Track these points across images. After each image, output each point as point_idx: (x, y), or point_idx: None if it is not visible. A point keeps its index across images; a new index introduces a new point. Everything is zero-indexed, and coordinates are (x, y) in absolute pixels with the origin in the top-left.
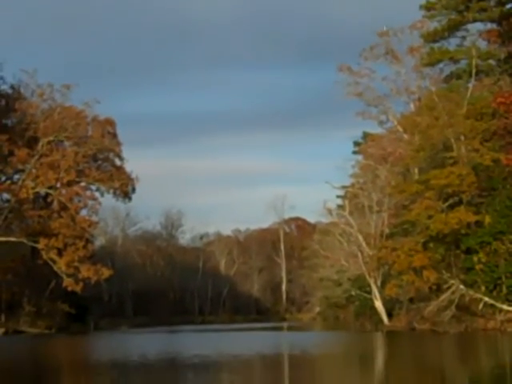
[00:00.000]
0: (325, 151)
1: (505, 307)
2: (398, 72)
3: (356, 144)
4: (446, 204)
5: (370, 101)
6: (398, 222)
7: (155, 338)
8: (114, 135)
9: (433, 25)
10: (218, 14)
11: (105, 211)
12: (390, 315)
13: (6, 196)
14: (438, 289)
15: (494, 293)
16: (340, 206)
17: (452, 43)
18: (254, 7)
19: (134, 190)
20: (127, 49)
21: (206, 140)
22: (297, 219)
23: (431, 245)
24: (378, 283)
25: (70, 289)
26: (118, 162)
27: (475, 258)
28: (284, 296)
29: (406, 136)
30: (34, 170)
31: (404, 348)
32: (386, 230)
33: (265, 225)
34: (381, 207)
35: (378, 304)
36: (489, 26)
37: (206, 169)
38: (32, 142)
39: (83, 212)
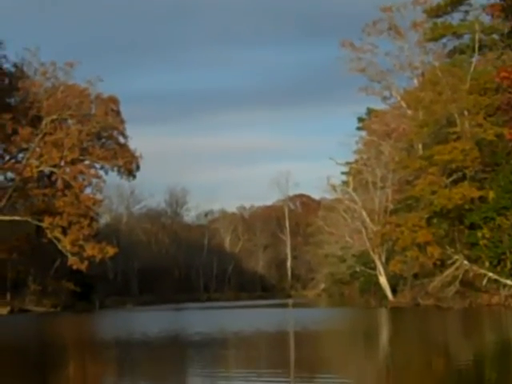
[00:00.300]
0: (329, 128)
1: (509, 282)
2: (401, 47)
3: (360, 120)
4: (450, 179)
5: (373, 76)
6: (401, 197)
7: (160, 316)
8: (118, 113)
9: (436, 0)
10: None
11: (109, 189)
12: (394, 291)
13: (10, 175)
14: (442, 264)
15: (498, 268)
16: (344, 183)
17: (455, 18)
18: None
19: (138, 167)
20: (129, 26)
21: (210, 117)
22: (301, 196)
23: (435, 220)
24: (383, 259)
25: (74, 267)
26: (121, 139)
27: (479, 234)
28: (289, 273)
29: (409, 112)
30: (37, 149)
31: (408, 324)
32: (390, 206)
33: (269, 202)
34: (385, 183)
35: (383, 280)
36: (492, 0)
37: (210, 146)
38: (35, 121)
39: (87, 190)
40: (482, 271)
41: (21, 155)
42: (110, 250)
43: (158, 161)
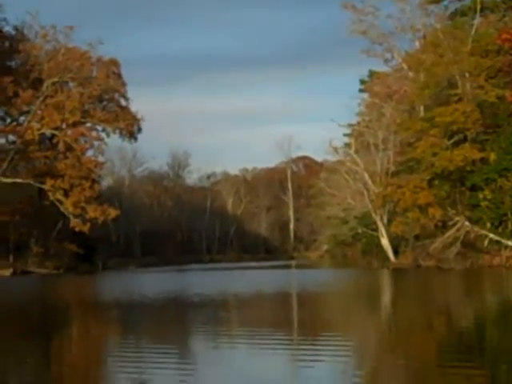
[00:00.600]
0: (332, 90)
1: (510, 243)
2: (402, 9)
3: (362, 82)
4: (451, 141)
5: (374, 38)
6: (403, 159)
7: (162, 277)
8: (119, 75)
9: None
10: None
11: (111, 152)
12: (396, 252)
13: (11, 138)
14: (443, 226)
15: (500, 229)
16: (346, 145)
17: None
18: None
19: (139, 130)
20: None
21: (211, 80)
22: (304, 158)
23: (436, 182)
24: (384, 221)
25: (77, 229)
26: (123, 102)
27: (480, 195)
28: (292, 234)
29: (411, 74)
30: (39, 112)
31: (410, 285)
32: (392, 168)
33: (272, 164)
34: (386, 145)
35: (385, 241)
36: None
37: (211, 109)
38: (36, 84)
39: (89, 153)
40: (484, 232)
41: (22, 118)
42: (112, 212)
43: (159, 123)
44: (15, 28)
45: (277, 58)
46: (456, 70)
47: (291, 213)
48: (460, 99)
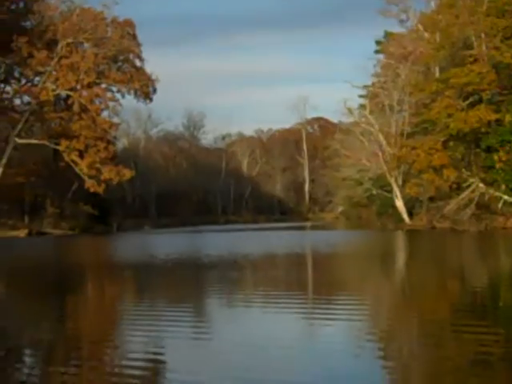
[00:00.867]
0: (348, 51)
1: None
2: None
3: (378, 43)
4: (466, 102)
5: None
6: (418, 120)
7: (176, 238)
8: (134, 36)
9: None
10: None
11: (127, 113)
12: (410, 214)
13: (26, 98)
14: (457, 187)
15: None
16: (361, 106)
17: None
18: None
19: (154, 90)
20: None
21: (227, 40)
22: (319, 119)
23: (451, 143)
24: (399, 182)
25: (92, 190)
26: (137, 63)
27: (495, 157)
28: (307, 196)
29: (426, 34)
30: (53, 72)
31: (424, 246)
32: (407, 129)
33: (287, 125)
34: (401, 106)
35: (399, 203)
36: None
37: (227, 69)
38: (51, 44)
39: (104, 114)
40: (498, 194)
41: (37, 79)
42: (127, 173)
43: (175, 84)
44: None
45: (292, 19)
46: (471, 31)
47: (306, 174)
48: (475, 60)
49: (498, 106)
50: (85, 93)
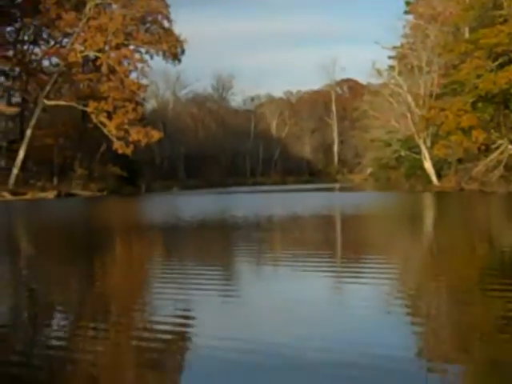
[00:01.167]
0: (377, 11)
1: None
2: None
3: (407, 4)
4: (496, 63)
5: None
6: (447, 82)
7: (203, 199)
8: None
9: None
10: None
11: (155, 75)
12: (439, 176)
13: (55, 60)
14: (486, 149)
15: None
16: (391, 67)
17: None
18: None
19: (183, 52)
20: None
21: (256, 1)
22: (348, 80)
23: (480, 105)
24: (427, 144)
25: (120, 152)
26: (166, 24)
27: None
28: (336, 157)
29: None
30: (82, 34)
31: (453, 208)
32: (436, 91)
33: (316, 87)
34: (430, 67)
35: (428, 165)
36: None
37: (255, 30)
38: (79, 6)
39: (133, 75)
40: None
41: (65, 40)
42: (156, 135)
43: (204, 45)
44: None
45: None
46: None
47: (335, 135)
48: (505, 20)
49: None
50: (113, 54)
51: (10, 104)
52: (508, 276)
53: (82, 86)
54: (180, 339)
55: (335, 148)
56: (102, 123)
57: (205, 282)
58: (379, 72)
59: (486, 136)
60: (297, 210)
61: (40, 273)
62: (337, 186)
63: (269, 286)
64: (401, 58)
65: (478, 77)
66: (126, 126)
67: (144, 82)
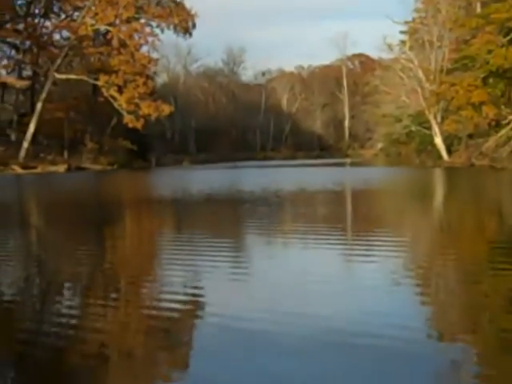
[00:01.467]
0: None
1: None
2: None
3: None
4: (507, 38)
5: None
6: (458, 57)
7: (214, 174)
8: None
9: None
10: None
11: (166, 48)
12: (449, 151)
13: (65, 33)
14: (496, 124)
15: None
16: (402, 42)
17: None
18: None
19: (194, 25)
20: None
21: None
22: (360, 55)
23: (491, 80)
24: (438, 119)
25: (130, 126)
26: None
27: None
28: (347, 132)
29: None
30: (92, 7)
31: (463, 184)
32: (447, 66)
33: (327, 61)
34: (441, 42)
35: (438, 140)
36: None
37: (267, 4)
38: None
39: (143, 49)
40: None
41: (76, 14)
42: (166, 109)
43: (215, 19)
44: None
45: None
46: None
47: (346, 110)
48: None
49: None
50: (124, 28)
51: (20, 77)
52: None
53: (92, 59)
54: (190, 311)
55: (346, 123)
56: (112, 97)
57: (215, 255)
58: (390, 47)
59: (496, 111)
60: (307, 184)
61: (50, 246)
62: (347, 161)
63: (279, 260)
64: (412, 32)
65: (489, 52)
66: (136, 100)
67: (155, 55)
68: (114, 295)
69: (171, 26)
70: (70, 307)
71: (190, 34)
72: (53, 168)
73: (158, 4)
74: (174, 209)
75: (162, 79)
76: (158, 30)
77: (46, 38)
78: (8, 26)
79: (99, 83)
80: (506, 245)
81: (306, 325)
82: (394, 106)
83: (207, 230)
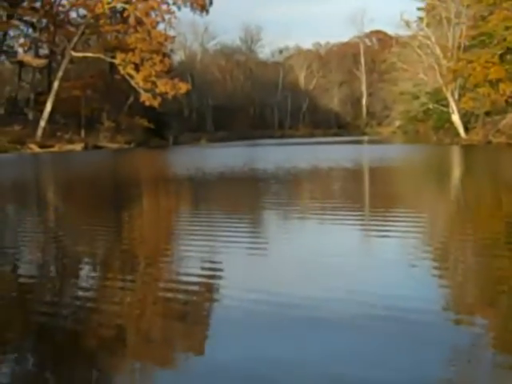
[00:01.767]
0: None
1: None
2: None
3: None
4: None
5: None
6: (475, 33)
7: (229, 151)
8: None
9: None
10: None
11: (183, 26)
12: (466, 129)
13: (82, 11)
14: None
15: None
16: (420, 19)
17: None
18: None
19: (211, 2)
20: None
21: None
22: (377, 32)
23: (508, 57)
24: (455, 96)
25: (147, 104)
26: None
27: None
28: (364, 110)
29: None
30: None
31: (480, 161)
32: (465, 42)
33: (345, 39)
34: (459, 19)
35: (455, 118)
36: None
37: None
38: None
39: (160, 26)
40: None
41: None
42: (183, 87)
43: None
44: None
45: None
46: None
47: (364, 88)
48: None
49: None
50: (140, 5)
51: (37, 56)
52: None
53: (109, 37)
54: (207, 290)
55: (364, 101)
56: (129, 75)
57: (231, 234)
58: (408, 24)
59: None
60: (326, 162)
61: (67, 224)
62: (365, 138)
63: (295, 238)
64: (429, 9)
65: (507, 29)
66: (153, 78)
67: (171, 33)
68: (131, 275)
69: (188, 3)
70: (87, 289)
71: (207, 12)
72: (70, 147)
73: None
74: (191, 187)
75: (178, 57)
76: (174, 8)
77: (62, 16)
78: (25, 4)
79: (116, 61)
80: None
81: (322, 307)
82: (412, 83)
83: (226, 207)
